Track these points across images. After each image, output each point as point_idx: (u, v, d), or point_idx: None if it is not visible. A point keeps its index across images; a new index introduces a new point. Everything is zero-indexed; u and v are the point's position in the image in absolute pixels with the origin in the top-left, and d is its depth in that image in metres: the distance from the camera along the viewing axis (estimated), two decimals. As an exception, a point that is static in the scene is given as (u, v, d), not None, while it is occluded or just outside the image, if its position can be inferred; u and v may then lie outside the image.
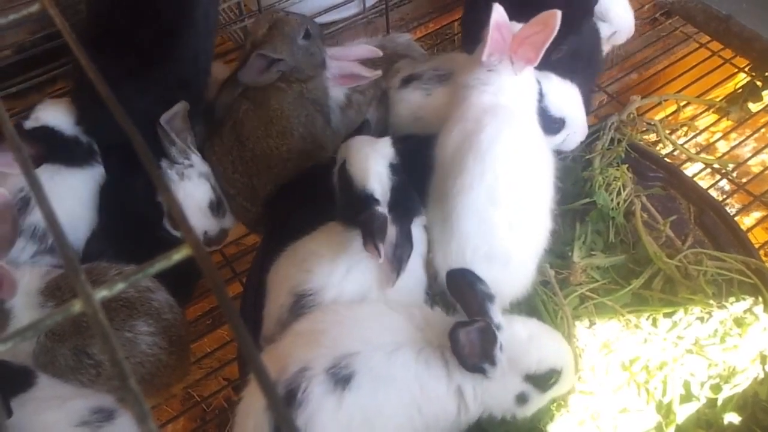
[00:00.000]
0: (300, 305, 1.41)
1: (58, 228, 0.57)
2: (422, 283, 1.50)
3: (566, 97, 1.69)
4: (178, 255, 0.56)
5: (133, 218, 1.73)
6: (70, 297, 1.36)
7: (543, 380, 1.29)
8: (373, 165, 1.45)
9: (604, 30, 2.03)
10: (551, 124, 1.67)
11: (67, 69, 2.10)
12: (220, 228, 1.78)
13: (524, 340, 1.28)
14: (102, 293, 0.55)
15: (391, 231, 1.37)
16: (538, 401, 1.31)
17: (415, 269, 1.47)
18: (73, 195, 1.71)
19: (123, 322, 1.46)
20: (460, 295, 1.31)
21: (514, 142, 1.48)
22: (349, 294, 1.41)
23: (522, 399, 1.29)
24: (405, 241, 1.40)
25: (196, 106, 1.78)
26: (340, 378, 1.20)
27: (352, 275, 1.42)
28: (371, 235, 1.33)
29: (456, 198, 1.45)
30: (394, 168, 1.47)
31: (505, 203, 1.44)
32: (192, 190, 1.72)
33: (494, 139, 1.45)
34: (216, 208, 1.77)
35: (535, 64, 1.54)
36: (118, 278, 0.55)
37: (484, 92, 1.55)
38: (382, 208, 1.40)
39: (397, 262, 1.36)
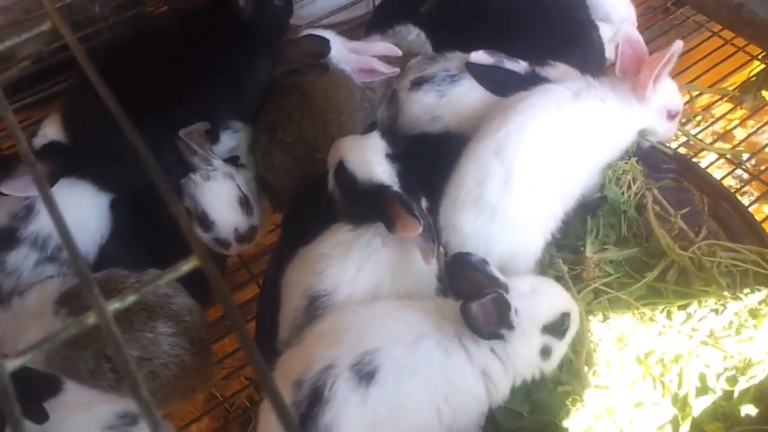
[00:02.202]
0: (314, 306, 1.43)
1: (72, 243, 0.59)
2: (433, 271, 1.52)
3: None
4: (187, 266, 0.58)
5: (157, 223, 1.76)
6: (84, 305, 1.39)
7: (558, 327, 1.33)
8: (373, 157, 1.49)
9: (607, 31, 2.04)
10: None
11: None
12: (250, 225, 1.79)
13: (529, 294, 1.32)
14: (115, 305, 0.57)
15: None
16: (559, 350, 1.36)
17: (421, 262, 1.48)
18: (86, 207, 1.74)
19: (143, 324, 1.48)
20: (462, 281, 1.33)
21: (552, 121, 1.57)
22: (363, 290, 1.43)
23: (546, 352, 1.33)
24: (425, 213, 1.45)
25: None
26: (365, 374, 1.22)
27: (363, 272, 1.44)
28: (406, 207, 1.36)
29: (469, 144, 1.60)
30: (391, 158, 1.52)
31: (510, 162, 1.54)
32: (219, 188, 1.75)
33: (530, 106, 1.59)
34: (245, 205, 1.78)
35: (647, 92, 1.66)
36: (130, 290, 0.58)
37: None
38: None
39: (429, 231, 1.40)
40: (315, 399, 1.21)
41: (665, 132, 1.81)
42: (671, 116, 1.78)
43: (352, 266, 1.44)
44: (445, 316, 1.32)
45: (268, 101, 1.86)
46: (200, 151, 1.71)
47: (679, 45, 1.62)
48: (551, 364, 1.36)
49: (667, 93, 1.75)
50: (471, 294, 1.27)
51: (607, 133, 1.67)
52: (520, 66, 1.82)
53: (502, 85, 1.78)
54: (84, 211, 1.74)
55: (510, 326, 1.28)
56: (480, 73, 1.79)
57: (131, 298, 0.58)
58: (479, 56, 1.80)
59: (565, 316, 1.34)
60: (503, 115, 1.60)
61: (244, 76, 1.81)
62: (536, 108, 1.60)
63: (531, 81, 1.77)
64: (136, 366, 1.38)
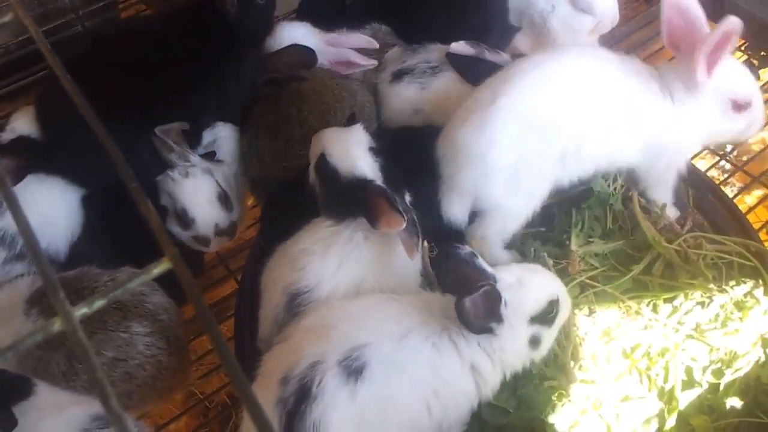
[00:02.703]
0: (295, 303, 1.40)
1: (36, 245, 0.56)
2: (416, 266, 1.49)
3: None
4: (158, 269, 0.54)
5: (131, 219, 1.72)
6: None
7: (546, 315, 1.31)
8: (356, 150, 1.46)
9: (588, 22, 2.03)
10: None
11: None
12: (230, 221, 1.76)
13: (516, 285, 1.29)
14: (82, 310, 0.53)
15: None
16: (549, 338, 1.34)
17: (404, 257, 1.44)
18: (56, 203, 1.70)
19: (117, 324, 1.44)
20: (449, 275, 1.29)
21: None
22: (345, 286, 1.41)
23: (535, 341, 1.31)
24: (409, 207, 1.42)
25: None
26: (353, 369, 1.20)
27: (345, 267, 1.42)
28: (390, 202, 1.34)
29: None
30: (374, 151, 1.49)
31: (506, 105, 1.47)
32: (199, 184, 1.72)
33: (556, 59, 1.53)
34: (224, 200, 1.76)
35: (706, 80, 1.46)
36: (102, 291, 0.54)
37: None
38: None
39: (413, 225, 1.38)
40: (302, 395, 1.19)
41: (732, 129, 1.55)
42: (738, 107, 1.51)
43: (334, 262, 1.41)
44: (431, 310, 1.30)
45: (258, 103, 1.84)
46: (177, 149, 1.68)
47: (734, 20, 1.36)
48: (541, 352, 1.34)
49: (729, 77, 1.48)
50: (459, 288, 1.24)
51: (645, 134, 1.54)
52: (501, 58, 1.79)
53: (482, 76, 1.75)
54: (54, 207, 1.70)
55: (499, 319, 1.26)
56: (461, 64, 1.76)
57: (99, 303, 0.54)
58: (460, 47, 1.77)
59: (553, 304, 1.31)
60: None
61: (230, 76, 1.78)
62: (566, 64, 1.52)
63: None
64: (110, 367, 1.35)
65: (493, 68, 1.75)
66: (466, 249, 1.30)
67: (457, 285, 1.26)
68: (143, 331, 1.46)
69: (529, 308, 1.29)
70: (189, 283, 0.54)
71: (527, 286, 1.31)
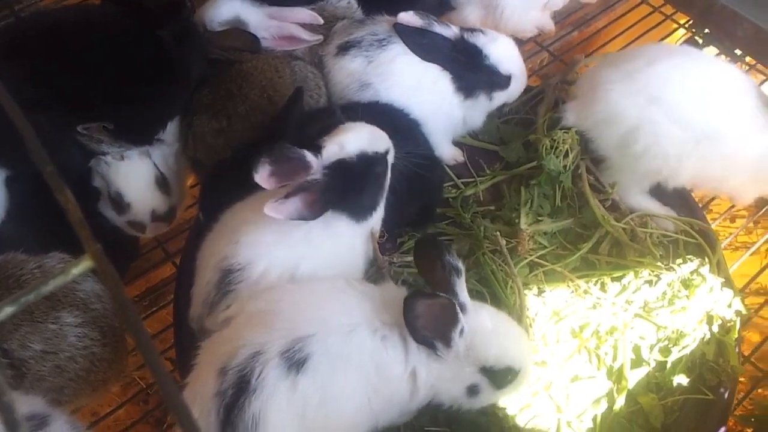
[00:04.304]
0: (227, 281, 1.33)
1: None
2: (361, 254, 1.44)
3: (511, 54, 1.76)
4: (78, 268, 0.48)
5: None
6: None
7: (499, 376, 1.23)
8: None
9: None
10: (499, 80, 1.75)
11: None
12: (169, 206, 1.69)
13: (488, 331, 1.22)
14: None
15: None
16: (489, 396, 1.25)
17: (352, 241, 1.42)
18: None
19: (45, 314, 1.34)
20: (427, 265, 1.25)
21: None
22: (280, 265, 1.34)
23: (473, 391, 1.23)
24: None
25: None
26: (295, 362, 1.14)
27: (282, 244, 1.35)
28: None
29: None
30: None
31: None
32: (135, 167, 1.65)
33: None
34: (162, 184, 1.68)
35: None
36: (6, 301, 0.47)
37: None
38: None
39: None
40: (241, 388, 1.12)
41: None
42: None
43: (270, 237, 1.34)
44: (388, 303, 1.23)
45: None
46: (106, 137, 1.59)
47: None
48: (473, 405, 1.26)
49: None
50: (428, 279, 1.21)
51: None
52: (450, 31, 1.74)
53: (430, 49, 1.70)
54: None
55: (448, 343, 1.18)
56: (408, 36, 1.70)
57: (9, 310, 0.47)
58: (408, 17, 1.70)
59: (509, 371, 1.23)
60: None
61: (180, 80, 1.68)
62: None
63: (459, 46, 1.71)
64: (39, 360, 1.25)
65: (440, 41, 1.70)
66: (455, 261, 1.22)
67: (429, 276, 1.22)
68: (74, 321, 1.36)
69: (485, 357, 1.21)
70: (113, 282, 0.48)
71: (498, 338, 1.23)
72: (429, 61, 1.71)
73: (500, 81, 1.75)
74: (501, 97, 1.78)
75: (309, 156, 1.30)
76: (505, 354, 1.22)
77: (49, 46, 1.53)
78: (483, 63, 1.72)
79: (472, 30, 1.76)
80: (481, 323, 1.21)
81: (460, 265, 1.22)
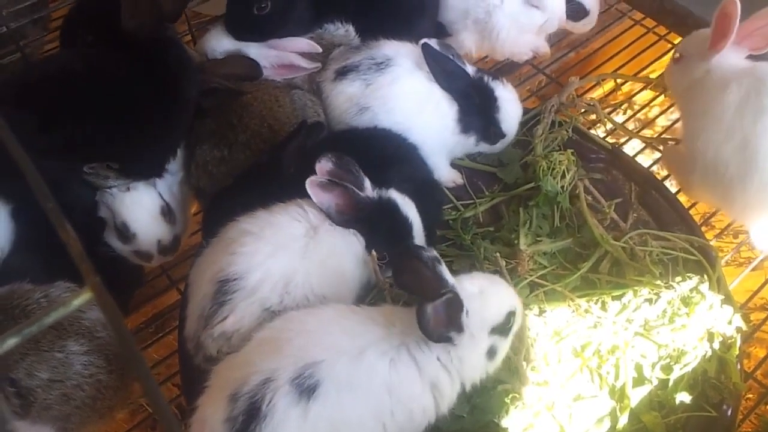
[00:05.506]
0: (223, 292, 1.35)
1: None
2: (357, 275, 1.47)
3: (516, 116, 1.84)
4: (78, 300, 0.50)
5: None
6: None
7: (505, 326, 1.29)
8: None
9: (537, 18, 2.02)
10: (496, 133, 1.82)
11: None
12: (173, 235, 1.71)
13: (477, 295, 1.27)
14: (-7, 349, 0.48)
15: None
16: (504, 348, 1.32)
17: (348, 257, 1.44)
18: None
19: (51, 343, 1.36)
20: (410, 276, 1.25)
21: None
22: (274, 277, 1.36)
23: (492, 352, 1.29)
24: None
25: None
26: (305, 388, 1.15)
27: (278, 255, 1.37)
28: None
29: None
30: None
31: None
32: (140, 197, 1.67)
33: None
34: (167, 214, 1.71)
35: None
36: (10, 333, 0.49)
37: None
38: None
39: None
40: (252, 414, 1.13)
41: None
42: None
43: (268, 247, 1.37)
44: (390, 324, 1.25)
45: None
46: (111, 175, 1.63)
47: None
48: (496, 363, 1.32)
49: None
50: (415, 289, 1.23)
51: None
52: (468, 67, 1.78)
53: (450, 78, 1.73)
54: None
55: (460, 329, 1.22)
56: (433, 57, 1.71)
57: (12, 341, 0.49)
58: (432, 44, 1.73)
59: (510, 315, 1.30)
60: None
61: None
62: None
63: (477, 84, 1.76)
64: (45, 389, 1.26)
65: (463, 74, 1.74)
66: (431, 252, 1.26)
67: (416, 286, 1.23)
68: (80, 349, 1.38)
69: (490, 319, 1.27)
70: (112, 314, 0.50)
71: (489, 296, 1.28)
72: (444, 89, 1.74)
73: (495, 135, 1.80)
74: (484, 147, 1.84)
75: (367, 182, 1.44)
76: (500, 304, 1.29)
77: (58, 94, 1.57)
78: (491, 112, 1.77)
79: (492, 75, 1.81)
80: (469, 293, 1.25)
81: (435, 252, 1.26)
